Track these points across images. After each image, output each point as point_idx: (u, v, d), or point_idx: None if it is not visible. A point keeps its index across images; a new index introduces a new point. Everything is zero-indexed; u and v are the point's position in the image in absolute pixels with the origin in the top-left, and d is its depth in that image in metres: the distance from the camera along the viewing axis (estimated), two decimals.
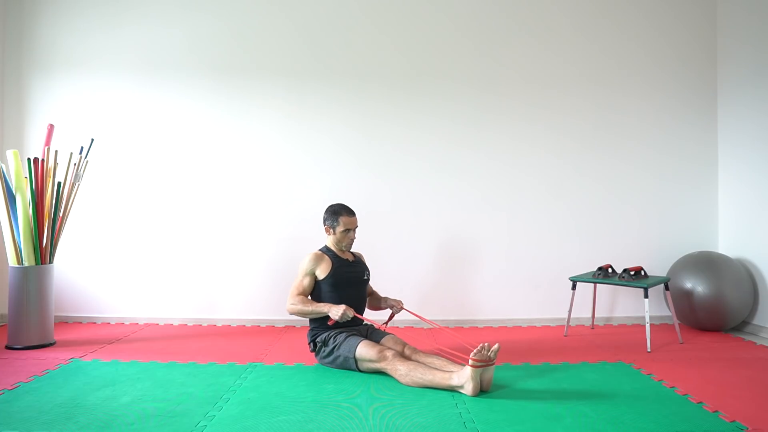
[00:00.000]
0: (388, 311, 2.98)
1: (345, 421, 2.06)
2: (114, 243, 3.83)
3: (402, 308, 2.92)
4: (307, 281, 2.80)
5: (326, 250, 2.91)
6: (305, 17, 3.85)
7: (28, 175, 3.14)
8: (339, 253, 2.92)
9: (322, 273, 2.81)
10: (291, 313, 2.78)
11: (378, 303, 3.03)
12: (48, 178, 3.22)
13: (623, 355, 2.98)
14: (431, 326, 2.52)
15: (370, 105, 3.85)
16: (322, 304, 2.73)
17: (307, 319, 2.93)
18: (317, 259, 2.83)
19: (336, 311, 2.64)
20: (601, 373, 2.65)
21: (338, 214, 2.90)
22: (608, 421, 2.06)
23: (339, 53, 3.85)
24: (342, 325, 2.78)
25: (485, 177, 3.86)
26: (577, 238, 3.87)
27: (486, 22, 3.88)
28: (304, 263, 2.84)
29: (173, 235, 3.83)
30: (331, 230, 2.92)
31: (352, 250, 3.06)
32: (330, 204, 3.01)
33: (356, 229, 2.96)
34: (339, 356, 2.69)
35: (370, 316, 2.94)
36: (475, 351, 2.26)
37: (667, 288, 3.37)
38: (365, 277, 2.96)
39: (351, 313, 2.64)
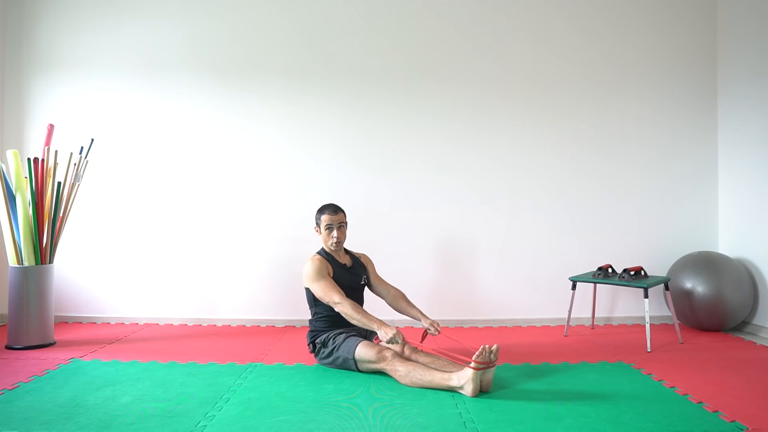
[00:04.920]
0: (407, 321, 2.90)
1: (345, 421, 2.06)
2: (114, 243, 3.83)
3: (439, 332, 2.75)
4: (333, 282, 2.74)
5: (324, 254, 2.89)
6: (305, 18, 3.85)
7: (28, 175, 3.14)
8: (335, 256, 2.90)
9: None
10: (339, 311, 2.67)
11: (409, 312, 2.89)
12: (48, 178, 3.22)
13: (623, 355, 2.98)
14: (462, 362, 2.45)
15: (370, 105, 3.85)
16: (373, 317, 2.61)
17: (307, 320, 2.94)
18: (323, 262, 2.80)
19: (386, 333, 2.52)
20: (601, 373, 2.65)
21: (321, 212, 2.89)
22: (608, 421, 2.06)
23: (339, 54, 3.85)
24: (342, 326, 2.79)
25: (485, 177, 3.87)
26: (576, 238, 3.87)
27: (485, 23, 3.87)
28: (315, 266, 2.75)
29: (173, 236, 3.83)
30: (318, 229, 2.91)
31: (353, 253, 3.05)
32: None
33: (342, 228, 2.87)
34: (338, 357, 2.68)
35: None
36: (477, 353, 2.25)
37: (667, 288, 3.37)
38: (362, 282, 2.95)
39: (400, 339, 2.53)
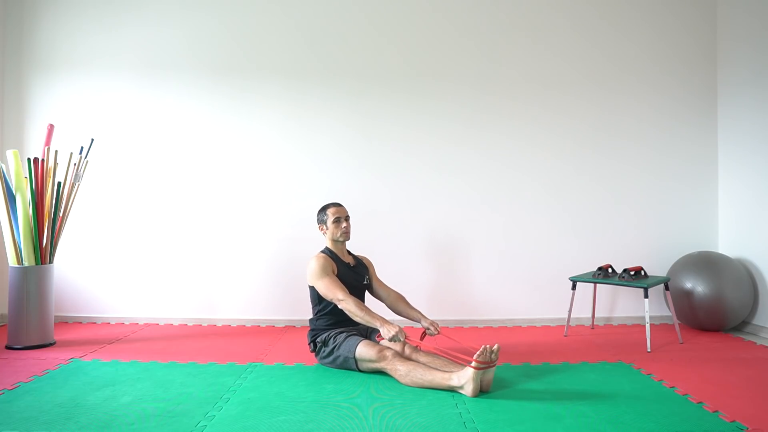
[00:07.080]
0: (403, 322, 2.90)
1: (345, 421, 2.06)
2: (114, 243, 3.83)
3: (438, 332, 2.76)
4: (337, 279, 2.76)
5: (328, 252, 2.91)
6: (305, 17, 3.85)
7: (28, 175, 3.14)
8: (340, 255, 2.91)
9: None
10: (342, 309, 2.68)
11: (408, 313, 2.91)
12: (48, 178, 3.22)
13: (623, 355, 2.98)
14: (462, 361, 2.46)
15: (370, 105, 3.85)
16: (376, 315, 2.62)
17: (307, 320, 2.94)
18: (328, 260, 2.82)
19: (389, 330, 2.53)
20: (601, 373, 2.65)
21: (326, 207, 2.95)
22: (608, 421, 2.06)
23: (339, 54, 3.85)
24: (344, 325, 2.79)
25: (485, 177, 3.86)
26: (576, 238, 3.87)
27: (485, 23, 3.87)
28: (320, 264, 2.77)
29: (173, 236, 3.83)
30: (324, 226, 2.92)
31: (355, 254, 3.06)
32: None
33: (348, 220, 2.94)
34: (339, 356, 2.68)
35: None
36: (478, 353, 2.25)
37: (667, 288, 3.37)
38: (365, 282, 2.96)
39: (402, 337, 2.53)
